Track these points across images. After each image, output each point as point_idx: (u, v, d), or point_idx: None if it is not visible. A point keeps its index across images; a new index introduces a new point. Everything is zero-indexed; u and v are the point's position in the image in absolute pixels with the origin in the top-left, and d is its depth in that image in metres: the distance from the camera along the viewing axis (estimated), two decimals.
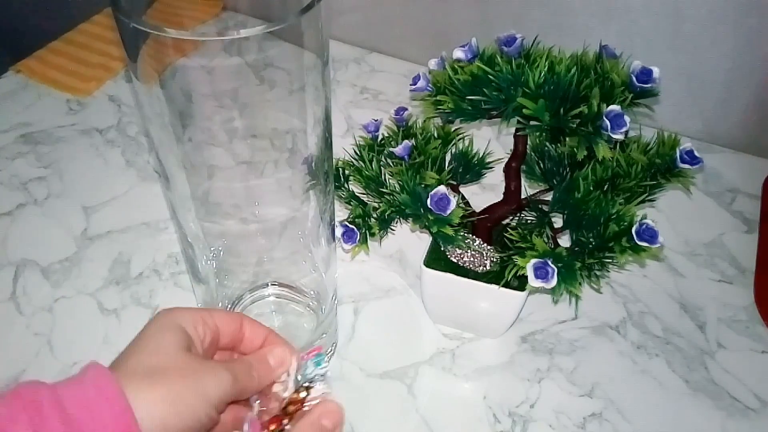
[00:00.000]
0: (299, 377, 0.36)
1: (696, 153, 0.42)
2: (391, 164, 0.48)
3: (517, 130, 0.44)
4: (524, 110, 0.39)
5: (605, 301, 0.57)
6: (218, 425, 0.33)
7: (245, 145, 0.42)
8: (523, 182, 0.48)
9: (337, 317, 0.53)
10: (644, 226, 0.39)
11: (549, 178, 0.49)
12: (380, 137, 0.50)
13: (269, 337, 0.37)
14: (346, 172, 0.50)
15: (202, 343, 0.33)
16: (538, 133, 0.40)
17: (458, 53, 0.43)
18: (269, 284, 0.52)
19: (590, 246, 0.42)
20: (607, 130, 0.38)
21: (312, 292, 0.52)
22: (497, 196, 0.49)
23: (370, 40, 0.86)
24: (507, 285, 0.46)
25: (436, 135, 0.49)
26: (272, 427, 0.34)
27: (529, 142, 0.47)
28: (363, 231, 0.47)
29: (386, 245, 0.61)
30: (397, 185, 0.45)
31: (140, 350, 0.31)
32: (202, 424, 0.30)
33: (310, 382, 0.36)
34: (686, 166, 0.42)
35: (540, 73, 0.39)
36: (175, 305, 0.34)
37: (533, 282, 0.40)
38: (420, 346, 0.54)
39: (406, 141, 0.47)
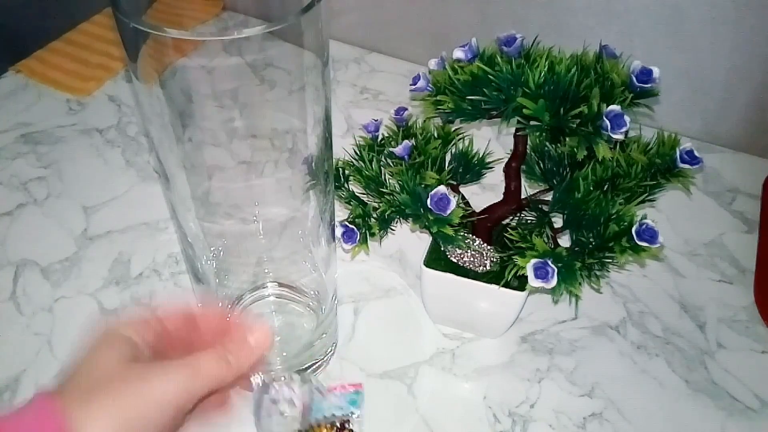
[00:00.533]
0: (333, 413, 0.35)
1: (696, 153, 0.42)
2: (391, 164, 0.48)
3: (517, 130, 0.44)
4: (524, 110, 0.39)
5: (605, 301, 0.57)
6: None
7: (245, 145, 0.42)
8: (523, 182, 0.48)
9: (337, 317, 0.53)
10: (644, 226, 0.39)
11: (549, 178, 0.49)
12: (380, 137, 0.50)
13: (232, 318, 0.35)
14: (346, 172, 0.50)
15: (150, 347, 0.32)
16: (538, 133, 0.40)
17: (458, 53, 0.43)
18: (269, 284, 0.52)
19: (590, 246, 0.42)
20: (607, 130, 0.38)
21: (312, 292, 0.52)
22: (497, 196, 0.49)
23: (370, 40, 0.86)
24: (507, 285, 0.46)
25: (436, 135, 0.49)
26: None
27: (529, 142, 0.47)
28: (363, 231, 0.47)
29: (386, 245, 0.61)
30: (397, 185, 0.45)
31: (80, 369, 0.30)
32: (166, 427, 0.29)
33: (343, 422, 0.35)
34: (686, 166, 0.42)
35: (540, 73, 0.39)
36: (175, 305, 0.34)
37: (533, 282, 0.40)
38: (420, 346, 0.54)
39: (406, 141, 0.47)
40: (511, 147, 0.46)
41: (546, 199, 0.48)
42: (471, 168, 0.51)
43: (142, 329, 0.32)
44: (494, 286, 0.47)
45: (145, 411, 0.28)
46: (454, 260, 0.49)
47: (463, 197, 0.51)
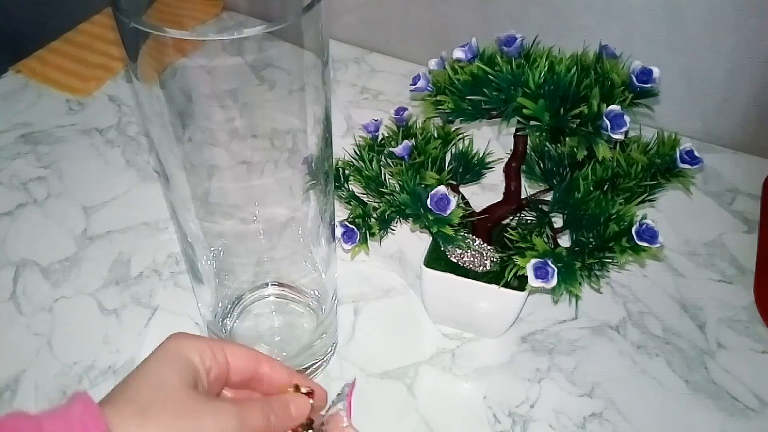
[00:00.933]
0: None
1: (696, 153, 0.42)
2: (391, 164, 0.48)
3: (517, 130, 0.44)
4: (524, 110, 0.39)
5: (605, 301, 0.57)
6: None
7: (245, 145, 0.42)
8: (523, 182, 0.48)
9: (337, 317, 0.53)
10: (644, 226, 0.39)
11: (549, 178, 0.49)
12: (380, 137, 0.50)
13: (294, 378, 0.35)
14: (346, 172, 0.50)
15: (207, 376, 0.32)
16: (538, 133, 0.40)
17: (458, 53, 0.43)
18: (269, 284, 0.52)
19: (590, 246, 0.42)
20: (607, 130, 0.38)
21: (312, 292, 0.52)
22: (497, 196, 0.49)
23: (370, 40, 0.86)
24: (507, 285, 0.46)
25: (436, 135, 0.49)
26: None
27: (529, 142, 0.47)
28: (363, 231, 0.47)
29: (386, 245, 0.61)
30: (397, 185, 0.45)
31: (138, 382, 0.29)
32: None
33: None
34: (686, 166, 0.42)
35: (540, 73, 0.39)
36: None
37: (533, 282, 0.40)
38: (420, 346, 0.54)
39: (406, 141, 0.47)
40: (511, 147, 0.46)
41: (546, 199, 0.48)
42: (471, 168, 0.51)
43: (208, 358, 0.32)
44: (494, 286, 0.47)
45: None
46: (454, 260, 0.49)
47: (463, 197, 0.51)
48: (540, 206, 0.48)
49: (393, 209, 0.45)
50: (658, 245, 0.39)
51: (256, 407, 0.31)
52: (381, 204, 0.46)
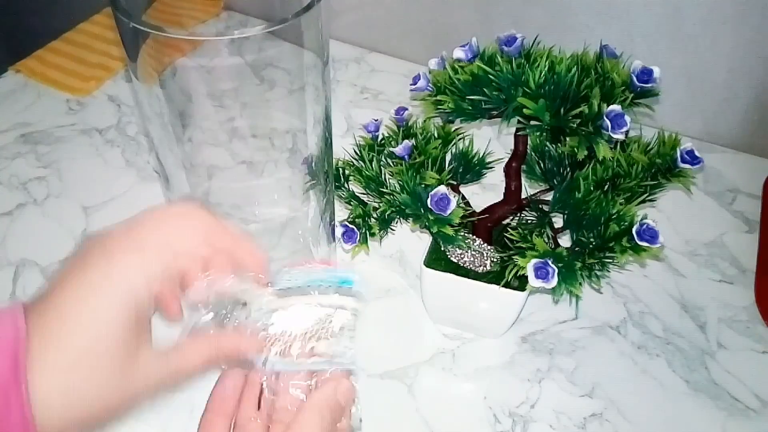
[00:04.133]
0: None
1: (696, 153, 0.42)
2: (391, 164, 0.48)
3: (517, 129, 0.44)
4: (524, 110, 0.39)
5: (606, 301, 0.57)
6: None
7: (245, 145, 0.42)
8: (524, 182, 0.48)
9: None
10: (645, 226, 0.39)
11: (549, 178, 0.49)
12: (380, 137, 0.50)
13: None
14: (346, 172, 0.49)
15: (152, 297, 0.31)
16: (538, 133, 0.40)
17: (458, 53, 0.42)
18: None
19: (591, 246, 0.42)
20: (607, 130, 0.38)
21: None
22: (497, 196, 0.49)
23: (370, 40, 0.86)
24: (507, 285, 0.46)
25: (436, 135, 0.49)
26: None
27: (529, 141, 0.47)
28: (363, 231, 0.47)
29: (386, 245, 0.61)
30: (397, 185, 0.45)
31: (75, 316, 0.28)
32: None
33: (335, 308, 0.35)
34: (687, 166, 0.42)
35: (540, 73, 0.39)
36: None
37: (534, 282, 0.40)
38: (420, 346, 0.54)
39: (406, 141, 0.47)
40: (512, 147, 0.46)
41: (546, 199, 0.48)
42: (471, 168, 0.51)
43: (156, 282, 0.31)
44: (494, 286, 0.47)
45: (91, 398, 0.28)
46: (455, 260, 0.49)
47: (464, 197, 0.51)
48: (540, 206, 0.48)
49: (393, 209, 0.45)
50: (658, 245, 0.39)
51: (228, 334, 0.33)
52: (381, 204, 0.46)
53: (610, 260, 0.41)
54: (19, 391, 0.26)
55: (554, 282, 0.40)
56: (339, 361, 0.35)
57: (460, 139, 0.50)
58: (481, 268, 0.49)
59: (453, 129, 0.50)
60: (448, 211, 0.42)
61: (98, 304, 0.29)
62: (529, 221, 0.49)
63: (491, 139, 0.54)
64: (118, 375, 0.29)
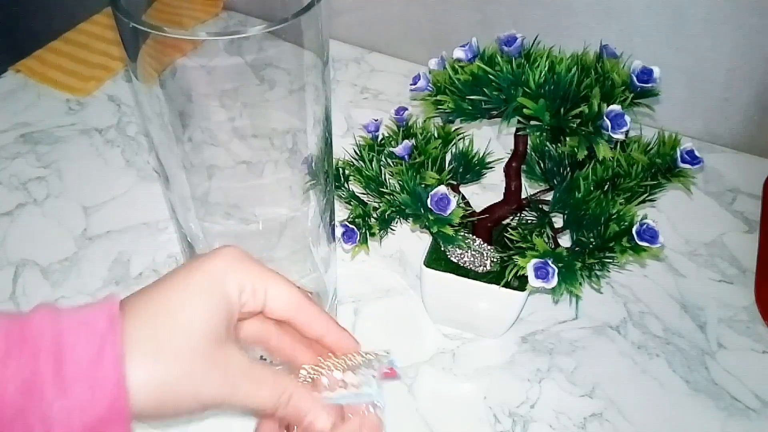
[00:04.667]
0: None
1: (696, 153, 0.42)
2: (391, 164, 0.48)
3: (517, 129, 0.44)
4: (524, 110, 0.39)
5: (606, 301, 0.57)
6: None
7: (245, 145, 0.42)
8: (524, 182, 0.48)
9: (337, 317, 0.53)
10: (645, 226, 0.39)
11: (549, 178, 0.49)
12: (380, 137, 0.50)
13: (329, 333, 0.34)
14: (346, 172, 0.49)
15: (239, 309, 0.31)
16: (538, 133, 0.40)
17: (458, 53, 0.42)
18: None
19: (591, 246, 0.42)
20: (607, 130, 0.38)
21: (312, 292, 0.51)
22: (497, 196, 0.49)
23: (370, 40, 0.86)
24: (507, 285, 0.46)
25: (436, 135, 0.49)
26: None
27: (529, 141, 0.47)
28: (363, 231, 0.47)
29: (386, 245, 0.61)
30: (397, 185, 0.45)
31: (165, 319, 0.28)
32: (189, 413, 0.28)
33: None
34: (687, 165, 0.42)
35: (540, 73, 0.39)
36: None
37: (534, 282, 0.40)
38: (420, 346, 0.54)
39: (406, 141, 0.47)
40: (512, 147, 0.46)
41: (546, 199, 0.48)
42: (471, 168, 0.51)
43: (247, 295, 0.31)
44: (494, 286, 0.47)
45: (185, 402, 0.28)
46: (455, 260, 0.49)
47: (464, 197, 0.51)
48: (540, 206, 0.48)
49: (393, 209, 0.45)
50: (658, 245, 0.39)
51: (304, 393, 0.31)
52: (381, 204, 0.46)
53: (610, 260, 0.41)
54: (115, 342, 0.26)
55: (554, 282, 0.40)
56: (367, 392, 0.34)
57: (460, 139, 0.50)
58: (481, 268, 0.49)
59: (453, 129, 0.50)
60: (448, 211, 0.42)
61: (197, 298, 0.29)
62: (529, 221, 0.49)
63: (491, 139, 0.55)
64: (208, 370, 0.28)
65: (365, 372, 0.34)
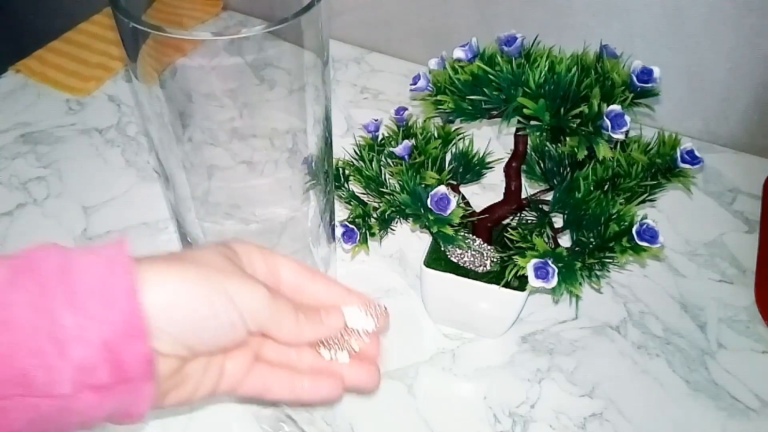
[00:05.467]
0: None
1: (696, 153, 0.42)
2: (391, 164, 0.48)
3: (517, 129, 0.44)
4: (524, 110, 0.39)
5: (606, 301, 0.57)
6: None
7: (245, 145, 0.42)
8: (524, 182, 0.48)
9: None
10: (645, 226, 0.39)
11: (549, 178, 0.49)
12: (380, 137, 0.50)
13: (351, 298, 0.35)
14: (346, 172, 0.49)
15: (251, 270, 0.31)
16: (538, 133, 0.40)
17: (458, 53, 0.42)
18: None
19: (591, 246, 0.42)
20: (607, 130, 0.38)
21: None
22: (497, 196, 0.49)
23: (370, 40, 0.86)
24: (507, 285, 0.46)
25: (436, 135, 0.49)
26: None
27: (529, 141, 0.47)
28: (363, 231, 0.47)
29: (386, 245, 0.61)
30: (397, 185, 0.45)
31: (179, 255, 0.29)
32: (222, 326, 0.28)
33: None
34: (687, 165, 0.42)
35: (540, 73, 0.39)
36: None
37: (533, 282, 0.40)
38: (420, 346, 0.54)
39: (406, 141, 0.47)
40: (512, 147, 0.46)
41: (546, 199, 0.48)
42: (471, 168, 0.51)
43: (257, 259, 0.32)
44: (494, 286, 0.47)
45: (212, 296, 0.28)
46: (455, 260, 0.49)
47: (464, 197, 0.51)
48: (540, 206, 0.48)
49: (393, 209, 0.45)
50: (658, 245, 0.39)
51: (288, 303, 0.31)
52: (381, 204, 0.46)
53: (610, 260, 0.41)
54: (128, 272, 0.26)
55: (554, 282, 0.40)
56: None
57: (460, 139, 0.50)
58: (481, 268, 0.49)
59: (453, 129, 0.50)
60: (448, 211, 0.42)
61: (208, 251, 0.29)
62: (529, 221, 0.49)
63: (491, 139, 0.54)
64: (222, 298, 0.28)
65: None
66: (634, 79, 0.40)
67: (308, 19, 0.33)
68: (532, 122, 0.40)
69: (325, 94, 0.39)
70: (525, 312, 0.55)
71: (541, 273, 0.40)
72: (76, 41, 0.84)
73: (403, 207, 0.44)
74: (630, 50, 0.43)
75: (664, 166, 0.43)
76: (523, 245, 0.43)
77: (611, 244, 0.41)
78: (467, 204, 0.50)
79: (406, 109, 0.50)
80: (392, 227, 0.47)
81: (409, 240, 0.61)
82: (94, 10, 0.89)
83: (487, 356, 0.53)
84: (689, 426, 0.49)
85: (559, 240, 0.46)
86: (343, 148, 0.51)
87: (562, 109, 0.39)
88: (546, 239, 0.44)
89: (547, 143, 0.48)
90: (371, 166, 0.48)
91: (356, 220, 0.47)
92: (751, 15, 0.64)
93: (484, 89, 0.40)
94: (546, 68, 0.39)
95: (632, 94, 0.41)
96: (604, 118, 0.38)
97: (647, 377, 0.52)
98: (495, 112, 0.42)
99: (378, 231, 0.47)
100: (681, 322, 0.56)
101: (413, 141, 0.48)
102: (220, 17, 0.88)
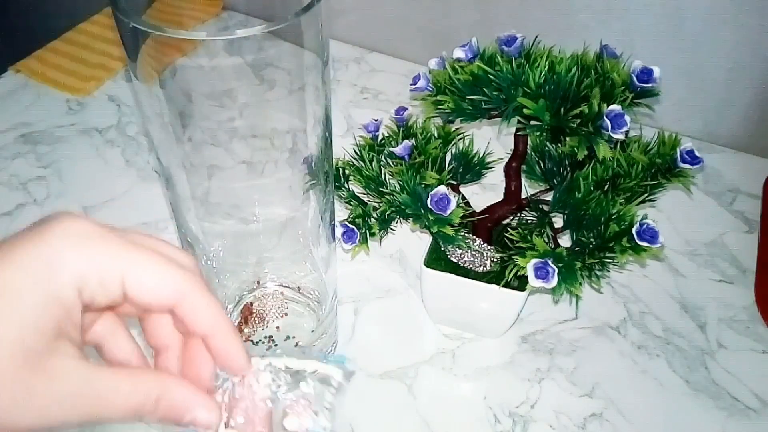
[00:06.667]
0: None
1: (696, 153, 0.42)
2: (391, 164, 0.48)
3: (517, 129, 0.44)
4: (524, 110, 0.39)
5: (606, 301, 0.57)
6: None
7: (245, 145, 0.42)
8: (524, 182, 0.48)
9: (337, 317, 0.53)
10: (645, 226, 0.39)
11: (549, 178, 0.49)
12: (380, 137, 0.50)
13: (216, 336, 0.27)
14: (346, 172, 0.49)
15: (86, 306, 0.24)
16: (538, 133, 0.40)
17: (458, 53, 0.42)
18: (269, 284, 0.52)
19: (591, 246, 0.42)
20: (607, 130, 0.38)
21: (312, 292, 0.51)
22: (497, 196, 0.49)
23: (370, 40, 0.86)
24: (507, 285, 0.46)
25: (436, 135, 0.49)
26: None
27: (529, 141, 0.47)
28: (363, 231, 0.47)
29: (386, 245, 0.61)
30: (397, 185, 0.45)
31: None
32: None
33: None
34: (687, 165, 0.42)
35: (540, 73, 0.39)
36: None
37: (533, 282, 0.40)
38: (420, 346, 0.54)
39: (406, 141, 0.47)
40: (512, 147, 0.46)
41: (546, 198, 0.48)
42: (471, 168, 0.51)
43: (91, 289, 0.23)
44: (494, 286, 0.47)
45: None
46: (455, 260, 0.49)
47: (464, 197, 0.51)
48: (540, 206, 0.48)
49: (393, 209, 0.45)
50: (658, 245, 0.39)
51: (179, 386, 0.25)
52: (381, 204, 0.46)
53: (610, 260, 0.41)
54: None
55: (554, 282, 0.40)
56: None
57: (460, 139, 0.50)
58: (481, 268, 0.49)
59: (453, 129, 0.50)
60: (448, 211, 0.42)
61: (8, 308, 0.22)
62: (529, 221, 0.50)
63: (491, 139, 0.54)
64: (18, 384, 0.22)
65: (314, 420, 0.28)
66: (634, 79, 0.40)
67: (308, 19, 0.33)
68: (532, 122, 0.40)
69: (325, 94, 0.38)
70: (525, 312, 0.55)
71: (541, 273, 0.40)
72: (76, 41, 0.84)
73: (403, 207, 0.44)
74: (630, 50, 0.43)
75: (664, 166, 0.43)
76: (523, 245, 0.43)
77: (611, 244, 0.41)
78: (467, 204, 0.50)
79: (406, 109, 0.50)
80: (392, 227, 0.47)
81: (409, 240, 0.61)
82: (94, 10, 0.89)
83: (487, 356, 0.53)
84: (689, 426, 0.49)
85: (559, 240, 0.46)
86: (343, 148, 0.51)
87: (562, 109, 0.39)
88: (546, 239, 0.44)
89: (547, 143, 0.48)
90: (371, 166, 0.48)
91: (356, 220, 0.47)
92: (751, 15, 0.64)
93: (484, 89, 0.40)
94: (546, 68, 0.39)
95: (632, 94, 0.41)
96: (604, 118, 0.38)
97: (647, 377, 0.52)
98: (495, 112, 0.42)
99: (378, 231, 0.47)
100: (681, 322, 0.56)
101: (413, 141, 0.48)
102: (220, 17, 0.88)
